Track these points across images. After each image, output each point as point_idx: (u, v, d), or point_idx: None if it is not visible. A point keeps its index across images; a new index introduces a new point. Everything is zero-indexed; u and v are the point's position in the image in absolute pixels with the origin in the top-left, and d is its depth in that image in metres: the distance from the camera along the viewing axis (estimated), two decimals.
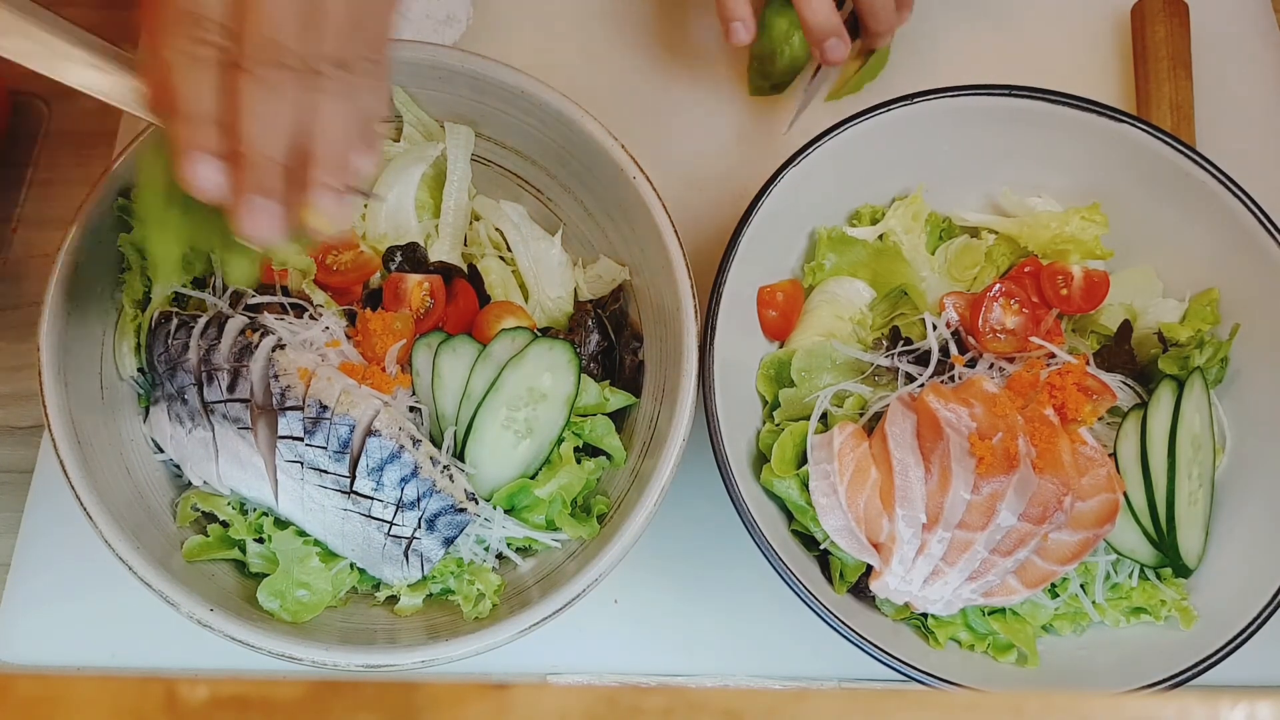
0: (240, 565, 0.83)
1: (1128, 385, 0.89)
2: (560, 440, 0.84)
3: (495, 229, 0.93)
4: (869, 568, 0.83)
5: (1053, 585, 0.84)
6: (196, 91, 0.57)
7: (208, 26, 0.56)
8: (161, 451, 0.85)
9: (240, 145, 0.57)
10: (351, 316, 0.86)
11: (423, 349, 0.84)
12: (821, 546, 0.85)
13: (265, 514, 0.83)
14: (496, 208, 0.93)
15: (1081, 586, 0.85)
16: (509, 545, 0.85)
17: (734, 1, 0.97)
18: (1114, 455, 0.86)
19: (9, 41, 0.64)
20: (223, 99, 0.57)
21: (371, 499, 0.79)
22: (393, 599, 0.83)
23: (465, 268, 0.92)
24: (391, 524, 0.79)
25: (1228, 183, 0.88)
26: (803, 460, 0.85)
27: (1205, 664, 0.79)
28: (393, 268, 0.88)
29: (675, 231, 0.83)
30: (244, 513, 0.83)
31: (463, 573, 0.82)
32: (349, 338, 0.85)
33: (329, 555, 0.82)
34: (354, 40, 0.59)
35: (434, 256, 0.91)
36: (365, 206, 0.91)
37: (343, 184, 0.61)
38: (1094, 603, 0.85)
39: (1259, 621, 0.80)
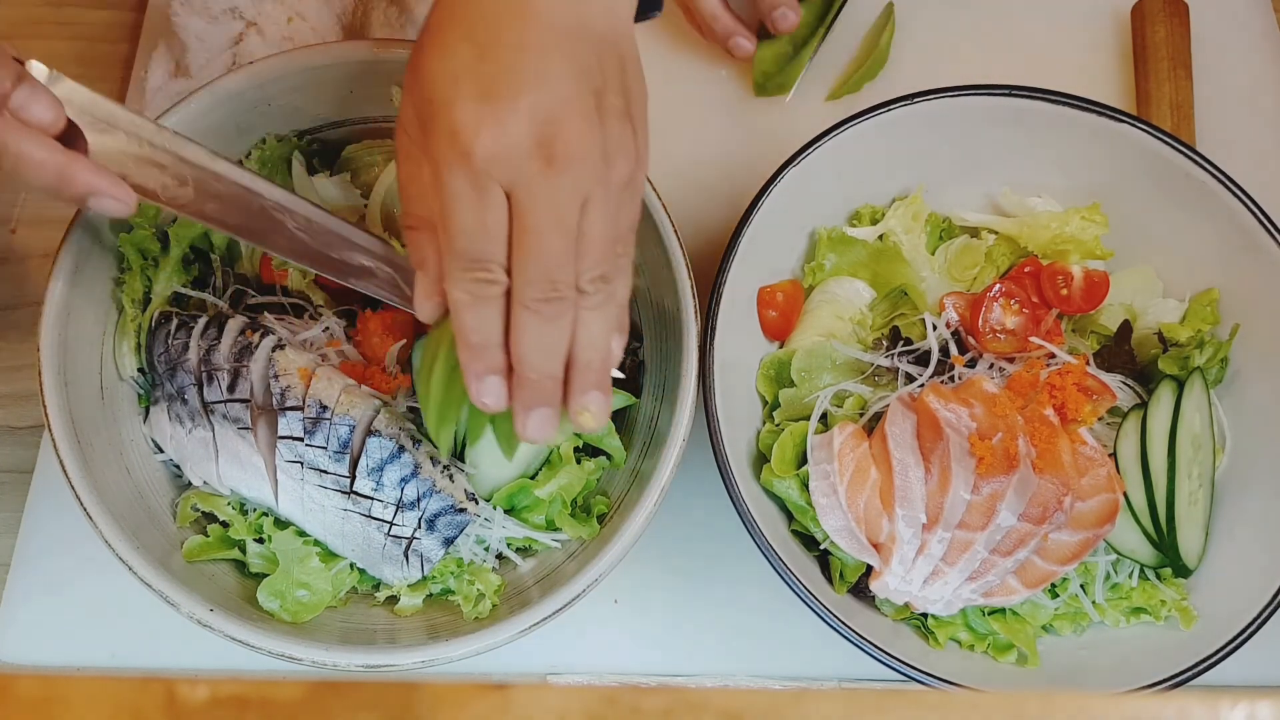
0: (240, 565, 0.83)
1: (1128, 385, 0.89)
2: None
3: None
4: (869, 568, 0.83)
5: (1053, 585, 0.84)
6: (481, 325, 0.63)
7: (490, 268, 0.61)
8: (161, 451, 0.85)
9: (519, 366, 0.64)
10: (351, 316, 0.86)
11: (423, 349, 0.84)
12: (821, 546, 0.85)
13: (265, 514, 0.83)
14: None
15: (1081, 586, 0.85)
16: (509, 545, 0.85)
17: (720, 23, 1.01)
18: (1114, 455, 0.86)
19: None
20: (504, 329, 0.63)
21: (371, 499, 0.79)
22: (393, 599, 0.83)
23: None
24: (391, 524, 0.79)
25: (1228, 183, 0.88)
26: (803, 460, 0.85)
27: (1205, 664, 0.79)
28: None
29: (675, 231, 0.83)
30: (244, 513, 0.83)
31: (463, 573, 0.82)
32: (349, 338, 0.85)
33: (329, 555, 0.82)
34: (612, 252, 0.63)
35: None
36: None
37: (606, 378, 0.66)
38: (1094, 603, 0.85)
39: (1259, 621, 0.80)
